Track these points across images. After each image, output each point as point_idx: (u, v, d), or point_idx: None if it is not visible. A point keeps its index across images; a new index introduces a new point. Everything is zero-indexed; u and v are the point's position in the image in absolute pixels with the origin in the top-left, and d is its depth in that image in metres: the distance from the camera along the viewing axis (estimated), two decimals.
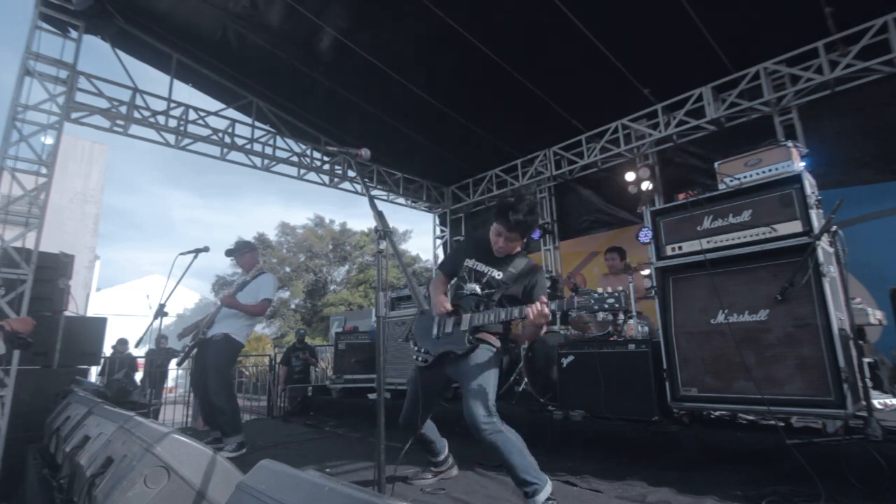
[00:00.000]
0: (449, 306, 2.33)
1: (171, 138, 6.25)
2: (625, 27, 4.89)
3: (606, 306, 1.96)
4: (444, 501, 2.38)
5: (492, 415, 2.10)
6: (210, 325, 3.80)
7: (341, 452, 3.59)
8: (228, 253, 4.13)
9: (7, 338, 2.70)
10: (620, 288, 2.00)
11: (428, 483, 2.63)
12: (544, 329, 2.19)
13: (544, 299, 2.04)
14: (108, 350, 9.12)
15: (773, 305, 2.80)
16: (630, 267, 4.92)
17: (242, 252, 4.11)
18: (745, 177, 3.13)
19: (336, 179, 7.79)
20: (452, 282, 2.54)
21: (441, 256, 9.39)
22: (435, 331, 2.42)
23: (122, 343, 8.84)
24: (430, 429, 2.64)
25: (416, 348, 2.51)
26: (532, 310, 2.03)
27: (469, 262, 2.45)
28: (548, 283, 2.31)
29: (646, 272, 4.69)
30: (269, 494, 1.04)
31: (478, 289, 2.37)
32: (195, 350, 3.83)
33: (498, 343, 2.34)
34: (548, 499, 2.03)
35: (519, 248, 2.42)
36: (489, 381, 2.21)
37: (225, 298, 3.83)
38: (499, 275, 2.33)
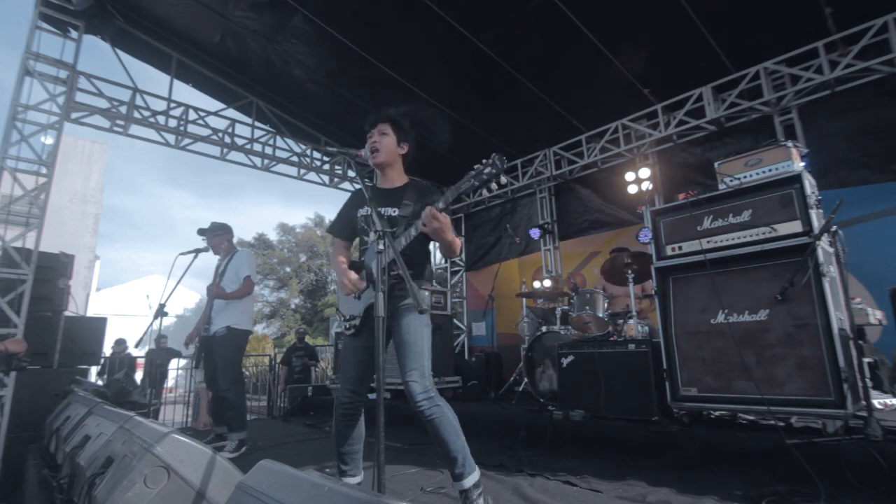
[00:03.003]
0: (354, 277, 2.07)
1: (171, 138, 6.25)
2: (625, 27, 4.89)
3: (485, 176, 1.84)
4: (444, 501, 2.38)
5: (426, 383, 1.99)
6: (209, 321, 3.78)
7: None
8: (201, 231, 4.01)
9: (2, 359, 2.71)
10: (494, 154, 1.88)
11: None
12: (452, 239, 1.97)
13: (429, 205, 1.90)
14: (107, 350, 9.13)
15: (773, 305, 2.80)
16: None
17: (215, 233, 4.00)
18: (745, 177, 3.13)
19: (336, 179, 7.79)
20: (355, 242, 2.32)
21: (440, 255, 9.39)
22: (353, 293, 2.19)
23: (120, 343, 8.84)
24: (360, 428, 2.21)
25: (341, 318, 2.29)
26: (423, 219, 1.89)
27: (362, 211, 2.22)
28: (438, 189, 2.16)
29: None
30: (268, 494, 1.04)
31: None
32: (203, 351, 3.86)
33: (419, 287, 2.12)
34: (475, 485, 1.96)
35: (404, 174, 2.28)
36: (419, 339, 2.05)
37: (212, 292, 3.77)
38: (394, 210, 2.15)
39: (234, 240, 4.17)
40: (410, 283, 1.58)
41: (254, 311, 4.31)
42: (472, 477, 1.97)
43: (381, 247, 1.66)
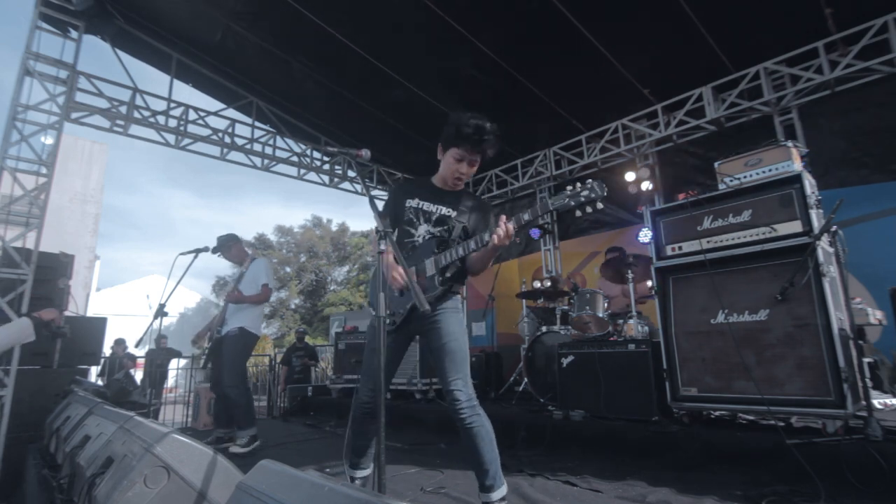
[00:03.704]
0: (403, 273, 1.91)
1: (171, 138, 6.25)
2: (624, 27, 4.89)
3: (582, 199, 1.78)
4: (444, 501, 2.38)
5: (470, 391, 1.93)
6: (222, 322, 3.92)
7: (341, 452, 3.58)
8: (215, 251, 4.15)
9: (40, 326, 2.79)
10: (591, 179, 1.81)
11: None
12: (490, 261, 1.97)
13: (504, 217, 1.83)
14: (107, 350, 9.14)
15: (773, 305, 2.80)
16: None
17: (228, 246, 4.17)
18: (745, 177, 3.13)
19: (336, 179, 7.79)
20: (395, 234, 2.20)
21: None
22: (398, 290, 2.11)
23: (120, 343, 8.84)
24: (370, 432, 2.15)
25: (374, 314, 2.12)
26: (498, 232, 1.81)
27: (412, 202, 2.12)
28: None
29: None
30: (269, 494, 1.04)
31: (432, 229, 2.10)
32: (213, 352, 3.97)
33: (458, 292, 2.09)
34: (502, 499, 1.93)
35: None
36: (462, 346, 1.99)
37: (229, 295, 3.93)
38: (449, 211, 2.08)
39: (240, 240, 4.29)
40: (412, 283, 1.58)
41: (262, 321, 4.40)
42: (501, 491, 1.93)
43: (381, 247, 1.65)
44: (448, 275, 2.01)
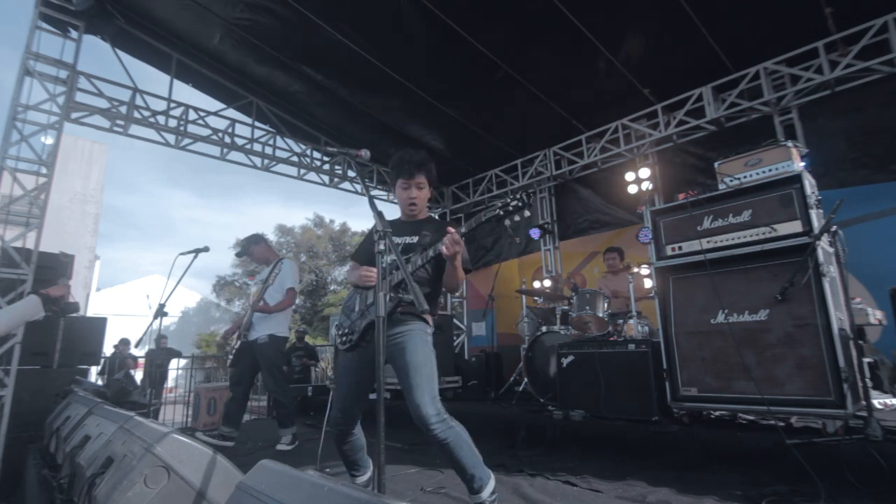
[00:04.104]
0: (373, 272, 2.00)
1: (171, 138, 6.25)
2: (625, 27, 4.89)
3: (511, 207, 1.92)
4: (444, 501, 2.38)
5: (440, 409, 1.94)
6: (249, 327, 3.97)
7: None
8: (240, 254, 4.34)
9: (48, 302, 2.79)
10: (522, 192, 2.00)
11: None
12: (462, 263, 2.02)
13: (450, 228, 1.94)
14: (109, 349, 9.15)
15: (773, 305, 2.80)
16: (630, 267, 4.94)
17: (250, 248, 4.25)
18: (745, 177, 3.13)
19: (336, 179, 7.79)
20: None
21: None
22: (357, 306, 2.22)
23: (125, 343, 8.84)
24: (359, 439, 2.23)
25: (337, 333, 2.29)
26: (444, 241, 1.92)
27: (376, 232, 2.20)
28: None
29: (645, 272, 4.70)
30: (269, 494, 1.04)
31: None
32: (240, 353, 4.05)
33: (427, 316, 2.14)
34: (492, 492, 1.97)
35: (427, 211, 2.33)
36: (428, 362, 2.02)
37: (256, 305, 3.96)
38: (413, 238, 2.19)
39: (236, 239, 4.31)
40: (411, 283, 1.59)
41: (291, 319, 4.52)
42: (489, 486, 1.97)
43: (381, 246, 1.65)
44: (403, 294, 2.05)
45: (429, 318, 2.15)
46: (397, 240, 2.20)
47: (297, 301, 27.51)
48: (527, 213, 1.99)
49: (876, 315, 3.09)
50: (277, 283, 4.04)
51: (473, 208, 8.48)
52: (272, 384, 3.98)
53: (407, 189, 2.24)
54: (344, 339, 2.20)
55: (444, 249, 1.93)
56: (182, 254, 3.67)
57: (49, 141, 4.99)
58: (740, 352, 2.82)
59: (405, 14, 4.89)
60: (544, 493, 2.39)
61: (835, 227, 2.71)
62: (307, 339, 10.17)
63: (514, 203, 1.93)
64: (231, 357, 4.15)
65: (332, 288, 28.53)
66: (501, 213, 1.95)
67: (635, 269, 4.88)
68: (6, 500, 3.75)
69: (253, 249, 4.26)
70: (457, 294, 8.56)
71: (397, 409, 4.68)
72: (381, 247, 1.65)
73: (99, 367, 6.20)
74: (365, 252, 2.34)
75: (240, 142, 6.72)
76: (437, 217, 2.43)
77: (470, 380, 5.71)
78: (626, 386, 3.43)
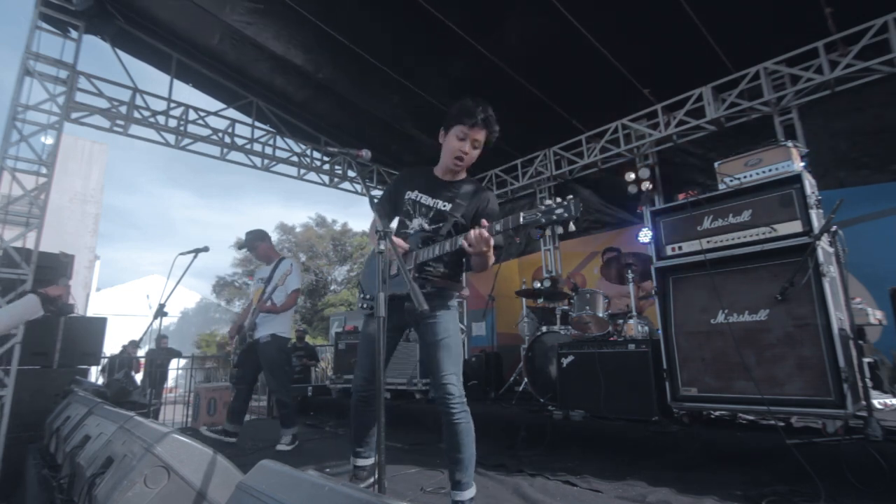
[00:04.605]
0: (403, 243, 2.04)
1: (171, 138, 6.25)
2: (624, 27, 4.89)
3: (555, 217, 1.73)
4: (445, 501, 2.38)
5: (462, 392, 1.95)
6: (253, 327, 3.96)
7: (341, 452, 3.58)
8: (242, 247, 4.35)
9: (46, 302, 2.81)
10: (571, 196, 1.76)
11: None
12: (490, 259, 1.92)
13: (485, 222, 1.83)
14: (115, 350, 9.17)
15: (773, 305, 2.80)
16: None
17: (255, 244, 4.22)
18: (745, 177, 3.13)
19: (336, 179, 7.79)
20: (394, 223, 2.24)
21: None
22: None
23: (134, 345, 8.87)
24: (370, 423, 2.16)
25: (361, 296, 2.25)
26: (468, 237, 1.82)
27: (411, 195, 2.15)
28: (498, 202, 2.07)
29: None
30: (269, 494, 1.04)
31: (425, 224, 2.11)
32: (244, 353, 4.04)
33: (455, 290, 2.09)
34: (472, 499, 1.96)
35: (464, 170, 2.17)
36: (457, 343, 2.03)
37: (262, 305, 3.95)
38: (446, 205, 2.08)
39: (237, 238, 4.29)
40: (412, 283, 1.58)
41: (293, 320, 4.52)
42: (471, 491, 1.97)
43: (381, 247, 1.65)
44: (431, 269, 2.03)
45: (457, 288, 2.12)
46: (429, 200, 2.10)
47: (298, 301, 27.59)
48: (572, 227, 1.76)
49: (876, 315, 3.09)
50: (288, 283, 4.03)
51: None
52: (274, 384, 3.99)
53: (462, 140, 2.05)
54: (366, 304, 2.19)
55: (466, 246, 1.84)
56: (182, 254, 3.67)
57: (49, 141, 4.99)
58: (740, 352, 2.82)
59: (405, 14, 4.88)
60: (544, 493, 2.39)
61: (835, 227, 2.71)
62: (307, 338, 10.16)
63: (558, 212, 1.72)
64: (235, 357, 4.15)
65: (332, 288, 28.52)
66: (544, 220, 1.76)
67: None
68: (6, 500, 3.75)
69: (258, 245, 4.24)
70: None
71: (397, 409, 4.69)
72: (382, 247, 1.65)
73: (100, 367, 6.20)
74: (387, 201, 2.24)
75: (240, 142, 6.73)
76: (476, 180, 2.22)
77: (470, 380, 5.70)
78: (626, 386, 3.43)
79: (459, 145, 2.05)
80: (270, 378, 3.99)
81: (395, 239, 1.96)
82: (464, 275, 2.26)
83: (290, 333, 4.15)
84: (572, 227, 1.77)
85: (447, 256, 2.03)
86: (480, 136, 2.06)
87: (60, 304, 2.98)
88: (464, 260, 2.13)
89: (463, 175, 2.20)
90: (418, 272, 2.03)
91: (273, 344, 3.92)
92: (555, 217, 1.75)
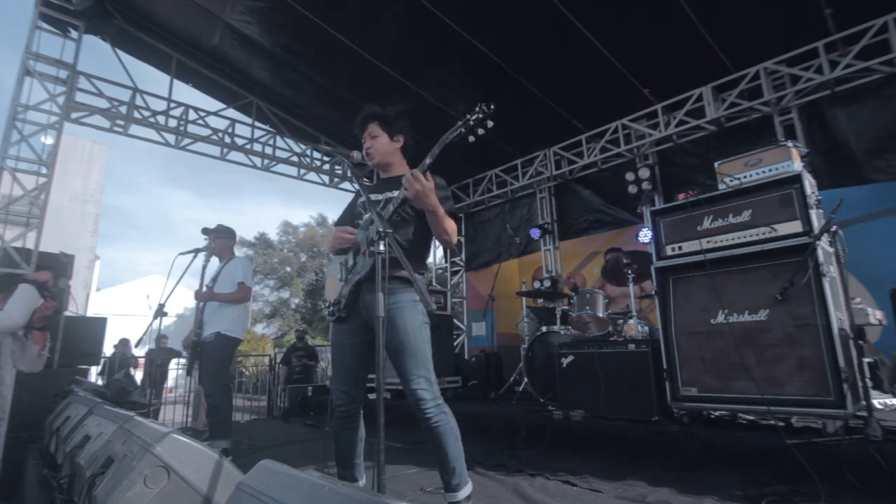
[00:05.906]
0: (347, 233, 2.02)
1: (171, 138, 6.25)
2: (624, 27, 4.89)
3: (472, 122, 1.81)
4: (444, 501, 2.38)
5: (435, 389, 1.87)
6: (200, 325, 3.69)
7: None
8: (205, 231, 3.91)
9: (41, 288, 2.86)
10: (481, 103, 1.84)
11: None
12: (436, 207, 1.86)
13: (413, 170, 1.84)
14: (109, 349, 9.13)
15: (773, 305, 2.80)
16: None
17: (218, 235, 3.90)
18: (745, 177, 3.13)
19: (336, 179, 7.80)
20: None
21: (440, 254, 9.39)
22: (340, 274, 2.08)
23: (124, 343, 8.83)
24: (360, 428, 2.05)
25: (325, 306, 2.14)
26: (404, 183, 1.83)
27: (362, 200, 2.12)
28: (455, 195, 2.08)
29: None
30: (269, 494, 1.04)
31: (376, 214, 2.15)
32: (195, 357, 3.77)
33: (414, 278, 1.77)
34: (467, 497, 1.89)
35: (406, 165, 2.18)
36: (424, 340, 1.90)
37: (199, 293, 3.69)
38: (394, 192, 2.03)
39: (237, 240, 4.15)
40: (416, 282, 1.58)
41: (247, 321, 4.23)
42: (467, 489, 1.90)
43: (381, 247, 1.64)
44: (382, 249, 1.73)
45: (414, 278, 1.83)
46: (379, 196, 2.09)
47: (296, 301, 27.57)
48: (490, 124, 1.83)
49: (876, 315, 3.09)
50: (225, 275, 3.76)
51: (473, 208, 8.49)
52: (208, 386, 3.60)
53: (364, 142, 2.16)
54: (331, 308, 2.07)
55: (407, 193, 1.84)
56: (182, 254, 3.66)
57: (49, 141, 4.99)
58: (740, 352, 2.82)
59: (404, 13, 4.89)
60: (544, 493, 2.39)
61: (835, 227, 2.71)
62: (307, 339, 10.16)
63: (475, 117, 1.81)
64: (196, 371, 3.78)
65: None
66: (464, 130, 1.83)
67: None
68: (6, 500, 3.75)
69: (217, 238, 3.89)
70: (457, 294, 8.56)
71: (397, 409, 4.69)
72: (381, 248, 1.64)
73: (99, 368, 6.20)
74: (349, 216, 2.27)
75: (240, 142, 6.73)
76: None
77: (470, 380, 5.71)
78: (626, 386, 3.43)
79: (364, 147, 2.17)
80: (205, 379, 3.61)
81: (339, 230, 2.06)
82: (423, 260, 2.20)
83: (239, 334, 3.79)
84: (481, 131, 1.83)
85: (407, 236, 2.02)
86: (371, 129, 2.16)
87: (45, 291, 3.01)
88: (423, 236, 2.08)
89: (405, 169, 2.17)
90: (369, 245, 1.92)
91: (217, 344, 3.61)
92: (472, 122, 1.82)
